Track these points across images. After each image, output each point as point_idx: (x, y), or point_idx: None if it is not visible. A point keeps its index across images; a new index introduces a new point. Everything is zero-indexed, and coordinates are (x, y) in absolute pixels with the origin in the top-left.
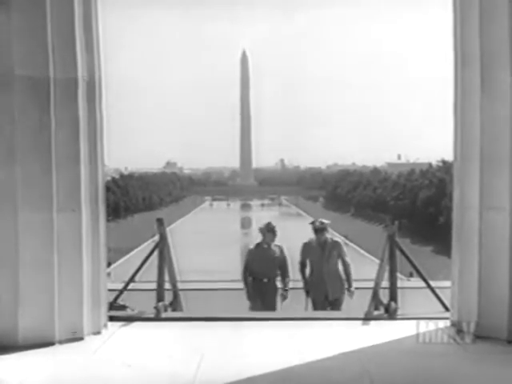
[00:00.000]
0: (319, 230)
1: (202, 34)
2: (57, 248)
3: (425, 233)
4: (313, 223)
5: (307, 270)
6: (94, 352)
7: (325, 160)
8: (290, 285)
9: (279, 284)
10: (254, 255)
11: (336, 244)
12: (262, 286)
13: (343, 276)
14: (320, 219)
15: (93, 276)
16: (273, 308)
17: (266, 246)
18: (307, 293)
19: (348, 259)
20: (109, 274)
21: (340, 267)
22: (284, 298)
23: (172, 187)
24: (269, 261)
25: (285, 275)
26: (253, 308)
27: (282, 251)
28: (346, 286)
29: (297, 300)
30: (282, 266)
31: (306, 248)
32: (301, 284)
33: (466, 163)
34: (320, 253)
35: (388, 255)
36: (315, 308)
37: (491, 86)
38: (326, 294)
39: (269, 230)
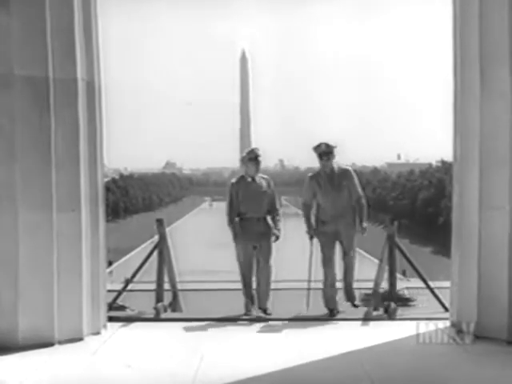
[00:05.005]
0: (325, 153)
1: (201, 33)
2: (56, 248)
3: (424, 233)
4: (318, 146)
5: (312, 214)
6: (93, 352)
7: None
8: (290, 285)
9: (270, 222)
10: (237, 190)
11: (346, 172)
12: (251, 225)
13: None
14: (325, 141)
15: (92, 276)
16: (267, 253)
17: (249, 179)
18: (311, 238)
19: (360, 190)
20: (110, 273)
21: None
22: (276, 237)
23: (171, 187)
24: (255, 196)
25: (274, 212)
26: (247, 307)
27: (269, 184)
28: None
29: (298, 300)
30: (270, 201)
31: (312, 182)
32: (301, 284)
33: (465, 163)
34: (328, 184)
35: (387, 255)
36: (324, 253)
37: (491, 86)
38: (336, 234)
39: (250, 159)
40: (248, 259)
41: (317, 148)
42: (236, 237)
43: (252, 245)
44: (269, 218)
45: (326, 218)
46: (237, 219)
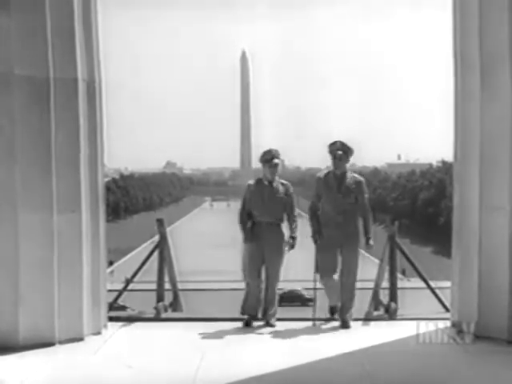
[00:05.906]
0: (338, 155)
1: (201, 33)
2: (57, 249)
3: (425, 233)
4: (333, 144)
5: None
6: (94, 352)
7: (325, 160)
8: (291, 286)
9: (285, 230)
10: (252, 193)
11: (358, 182)
12: (261, 229)
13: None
14: (340, 140)
15: (93, 277)
16: (276, 261)
17: (266, 182)
18: (315, 242)
19: (367, 204)
20: (111, 273)
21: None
22: (291, 246)
23: (172, 187)
24: (269, 200)
25: (291, 219)
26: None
27: (288, 190)
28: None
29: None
30: (287, 207)
31: (319, 181)
32: (302, 284)
33: (466, 163)
34: (335, 186)
35: (388, 255)
36: (317, 259)
37: (491, 87)
38: (337, 241)
39: (266, 161)
40: (254, 264)
41: (331, 145)
42: (245, 239)
43: (260, 249)
44: (283, 226)
45: (327, 220)
46: (249, 223)
